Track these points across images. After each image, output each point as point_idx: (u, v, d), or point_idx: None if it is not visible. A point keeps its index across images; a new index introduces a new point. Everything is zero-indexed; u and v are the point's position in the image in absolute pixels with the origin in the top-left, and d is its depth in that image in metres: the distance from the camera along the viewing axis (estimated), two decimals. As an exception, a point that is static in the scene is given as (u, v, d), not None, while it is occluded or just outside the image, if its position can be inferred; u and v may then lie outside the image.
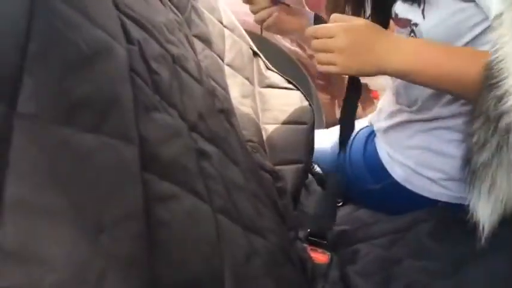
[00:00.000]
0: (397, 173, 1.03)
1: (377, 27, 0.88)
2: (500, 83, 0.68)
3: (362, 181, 1.09)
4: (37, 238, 0.37)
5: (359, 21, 0.88)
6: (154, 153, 0.53)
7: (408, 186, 1.01)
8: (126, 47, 0.55)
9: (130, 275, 0.40)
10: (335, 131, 1.31)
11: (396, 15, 1.01)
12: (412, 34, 0.96)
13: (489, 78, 0.73)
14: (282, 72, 1.32)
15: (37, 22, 0.44)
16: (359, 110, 2.06)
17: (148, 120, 0.54)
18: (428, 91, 0.97)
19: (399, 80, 1.03)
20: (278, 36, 2.01)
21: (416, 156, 1.01)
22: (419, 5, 0.93)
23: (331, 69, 0.87)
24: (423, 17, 0.93)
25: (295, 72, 1.88)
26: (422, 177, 1.00)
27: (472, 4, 0.87)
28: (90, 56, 0.46)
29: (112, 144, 0.44)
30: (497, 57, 0.69)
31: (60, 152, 0.40)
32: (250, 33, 1.40)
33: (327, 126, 1.73)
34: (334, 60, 0.87)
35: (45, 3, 0.46)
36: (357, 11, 1.11)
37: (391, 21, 1.03)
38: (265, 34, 1.96)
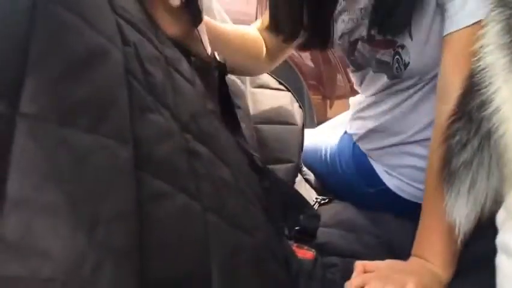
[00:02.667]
0: (391, 182, 1.03)
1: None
2: (481, 91, 0.71)
3: (355, 185, 1.09)
4: (36, 231, 0.40)
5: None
6: (148, 152, 0.55)
7: (402, 195, 1.01)
8: (122, 49, 0.58)
9: (123, 267, 0.43)
10: (324, 131, 1.33)
11: (371, 36, 0.94)
12: (397, 57, 0.90)
13: (473, 85, 0.75)
14: (274, 71, 1.35)
15: (38, 26, 0.46)
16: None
17: (143, 120, 0.56)
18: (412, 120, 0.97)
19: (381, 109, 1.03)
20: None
21: (407, 173, 1.01)
22: (405, 28, 0.86)
23: None
24: (411, 38, 0.87)
25: (287, 71, 1.90)
26: (415, 189, 1.00)
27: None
28: (88, 59, 0.49)
29: (108, 144, 0.46)
30: (479, 65, 0.72)
31: (58, 151, 0.42)
32: (244, 33, 1.42)
33: (318, 126, 1.76)
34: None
35: (46, 7, 0.48)
36: (295, 31, 1.03)
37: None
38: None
